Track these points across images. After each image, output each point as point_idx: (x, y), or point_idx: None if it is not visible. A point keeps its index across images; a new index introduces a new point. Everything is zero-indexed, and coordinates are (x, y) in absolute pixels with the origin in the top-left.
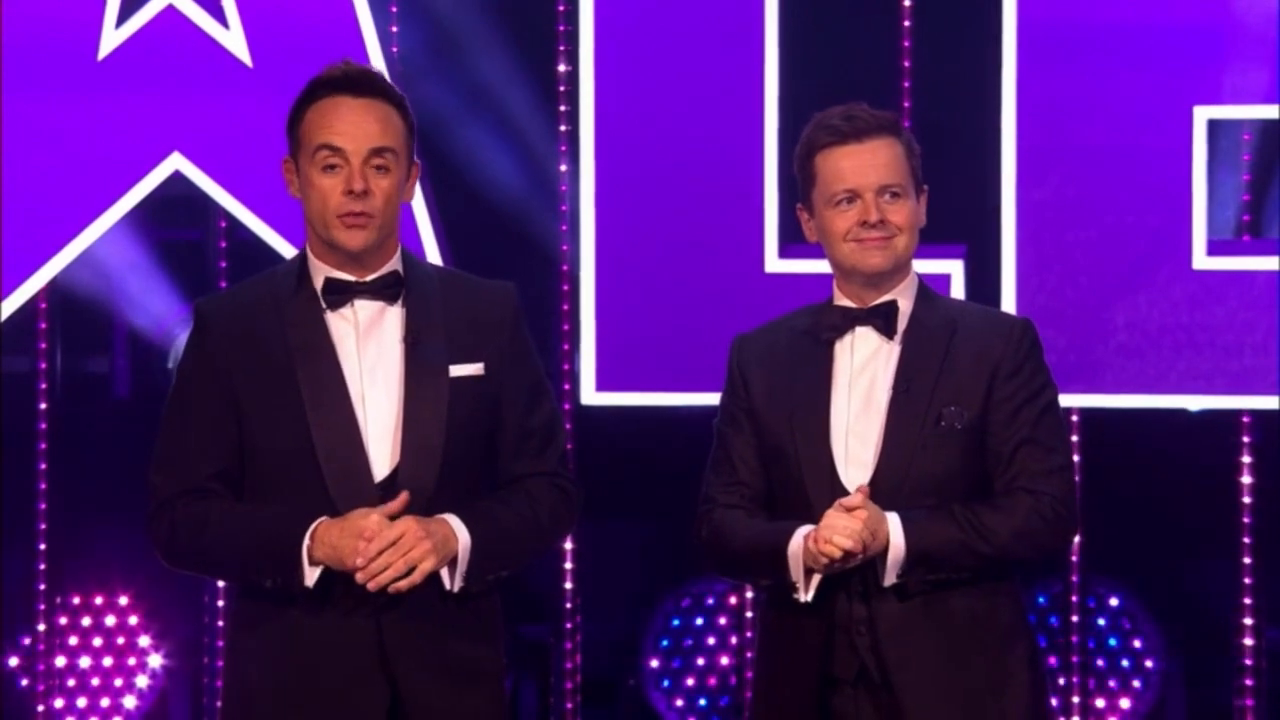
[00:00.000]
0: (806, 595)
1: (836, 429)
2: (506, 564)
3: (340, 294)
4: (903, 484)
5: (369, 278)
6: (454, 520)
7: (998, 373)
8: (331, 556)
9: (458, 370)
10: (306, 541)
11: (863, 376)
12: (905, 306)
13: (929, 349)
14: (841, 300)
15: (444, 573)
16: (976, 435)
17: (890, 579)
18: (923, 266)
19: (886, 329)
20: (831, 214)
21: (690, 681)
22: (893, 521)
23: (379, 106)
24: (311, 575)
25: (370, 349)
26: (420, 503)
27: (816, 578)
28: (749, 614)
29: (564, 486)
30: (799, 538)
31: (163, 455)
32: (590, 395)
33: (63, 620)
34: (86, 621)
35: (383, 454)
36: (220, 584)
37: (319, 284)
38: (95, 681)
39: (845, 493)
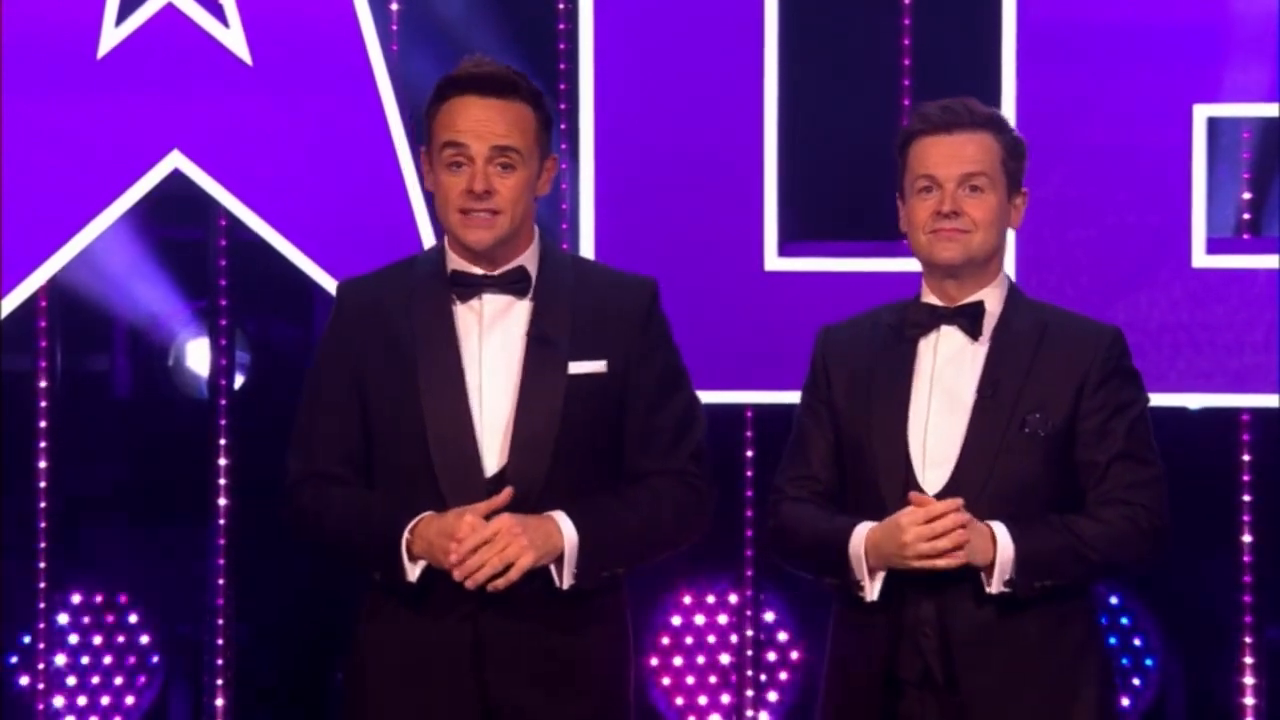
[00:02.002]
0: (872, 594)
1: (915, 427)
2: (623, 560)
3: (468, 287)
4: (983, 488)
5: (496, 272)
6: (560, 517)
7: (1086, 383)
8: (428, 553)
9: (578, 367)
10: (406, 536)
11: (946, 376)
12: (993, 307)
13: (1016, 353)
14: (929, 297)
15: (553, 570)
16: (1060, 443)
17: (997, 586)
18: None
19: (972, 329)
20: (914, 202)
21: (691, 680)
22: (998, 528)
23: (508, 105)
24: (413, 570)
25: (493, 343)
26: (529, 499)
27: (880, 576)
28: (749, 612)
29: (694, 484)
30: (860, 535)
31: (296, 437)
32: None
33: (63, 619)
34: (86, 620)
35: (494, 448)
36: (220, 581)
37: (449, 276)
38: (95, 680)
39: (919, 491)
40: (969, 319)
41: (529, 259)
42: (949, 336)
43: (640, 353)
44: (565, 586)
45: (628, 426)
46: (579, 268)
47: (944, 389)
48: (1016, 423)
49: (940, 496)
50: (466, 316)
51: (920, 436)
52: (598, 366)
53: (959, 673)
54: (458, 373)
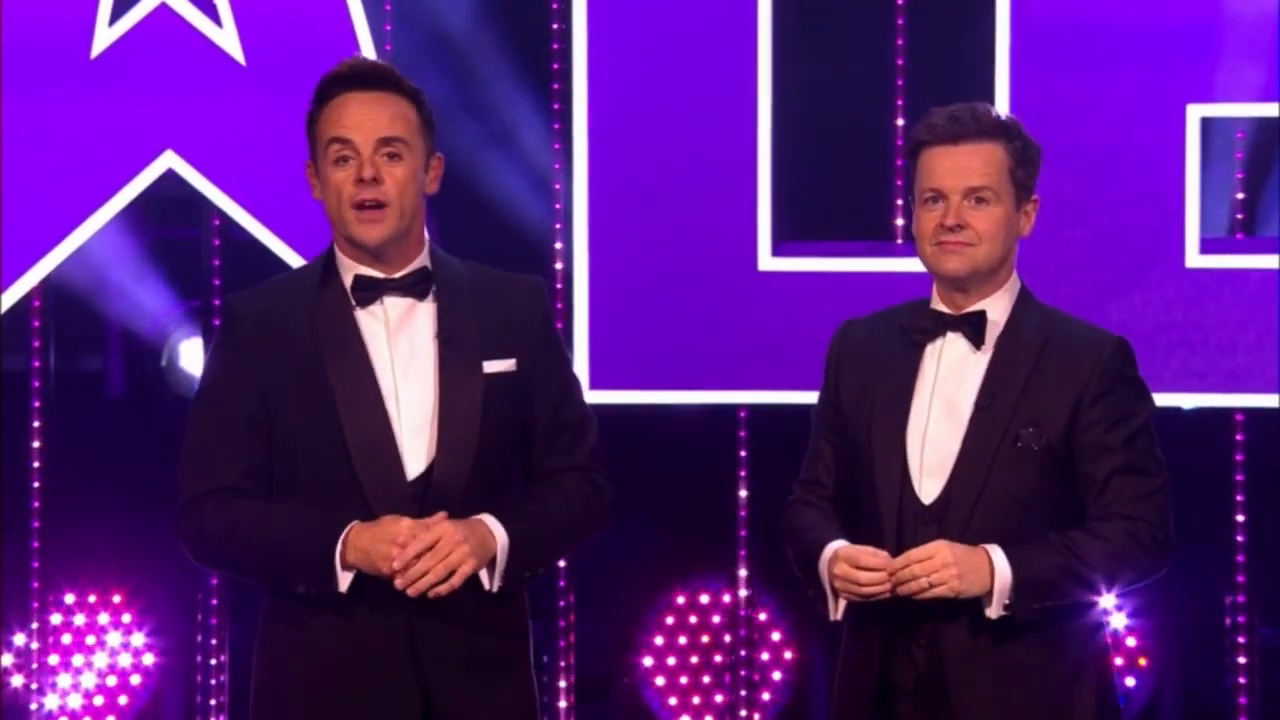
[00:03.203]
0: (835, 614)
1: (913, 435)
2: (542, 561)
3: (369, 291)
4: (977, 501)
5: (398, 274)
6: (491, 521)
7: (1084, 396)
8: (363, 561)
9: (491, 367)
10: (339, 547)
11: (947, 385)
12: (996, 316)
13: (1016, 364)
14: (937, 303)
15: (483, 573)
16: (1057, 456)
17: (996, 610)
18: (915, 265)
19: (974, 338)
20: (919, 212)
21: (684, 680)
22: (996, 555)
23: (388, 98)
24: (345, 580)
25: (402, 346)
26: (453, 500)
27: (843, 600)
28: (743, 612)
29: (596, 480)
30: (827, 554)
31: (192, 452)
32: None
33: (56, 618)
34: (80, 620)
35: (417, 451)
36: (214, 582)
37: (348, 281)
38: (89, 680)
39: (914, 499)
40: (972, 327)
41: (426, 260)
42: (953, 344)
43: (542, 351)
44: (495, 589)
45: (534, 424)
46: (469, 268)
47: (944, 398)
48: (1010, 436)
49: (935, 507)
50: (370, 322)
51: (918, 445)
52: (508, 365)
53: (951, 687)
54: (371, 379)
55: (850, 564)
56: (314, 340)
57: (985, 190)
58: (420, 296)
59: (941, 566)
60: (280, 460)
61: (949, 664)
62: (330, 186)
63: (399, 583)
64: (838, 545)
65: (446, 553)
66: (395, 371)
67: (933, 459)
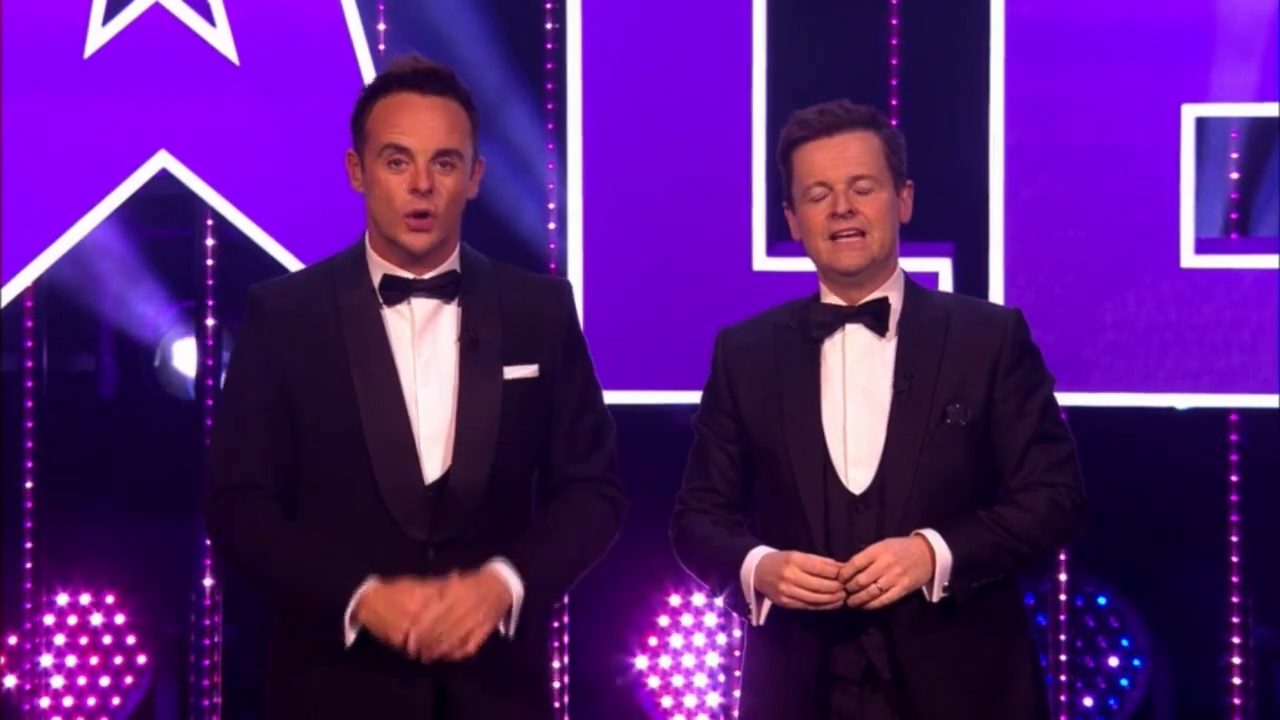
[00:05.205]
0: (759, 620)
1: (832, 429)
2: (557, 598)
3: (397, 291)
4: (912, 482)
5: (427, 275)
6: (505, 571)
7: (997, 368)
8: (376, 627)
9: (512, 373)
10: (352, 605)
11: (858, 375)
12: (895, 303)
13: (925, 345)
14: (829, 297)
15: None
16: (979, 431)
17: (938, 593)
18: (911, 264)
19: (878, 326)
20: (806, 208)
21: (679, 681)
22: (935, 541)
23: (447, 105)
24: (351, 636)
25: (425, 347)
26: (469, 506)
27: (767, 603)
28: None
29: (611, 495)
30: (751, 560)
31: (220, 444)
32: None
33: (49, 619)
34: (73, 620)
35: (434, 456)
36: (206, 582)
37: (377, 280)
38: (81, 681)
39: (844, 491)
40: (874, 316)
41: (455, 263)
42: (855, 335)
43: (566, 356)
44: (512, 634)
45: (554, 431)
46: (498, 269)
47: (858, 388)
48: (937, 414)
49: (868, 495)
50: (397, 322)
51: (839, 437)
52: (530, 371)
53: (906, 667)
54: (394, 380)
55: (805, 570)
56: (339, 337)
57: (868, 177)
58: (447, 299)
59: (885, 569)
60: (302, 455)
61: (902, 647)
62: (380, 188)
63: (411, 648)
64: (768, 551)
65: (460, 617)
66: (417, 374)
67: (858, 448)
